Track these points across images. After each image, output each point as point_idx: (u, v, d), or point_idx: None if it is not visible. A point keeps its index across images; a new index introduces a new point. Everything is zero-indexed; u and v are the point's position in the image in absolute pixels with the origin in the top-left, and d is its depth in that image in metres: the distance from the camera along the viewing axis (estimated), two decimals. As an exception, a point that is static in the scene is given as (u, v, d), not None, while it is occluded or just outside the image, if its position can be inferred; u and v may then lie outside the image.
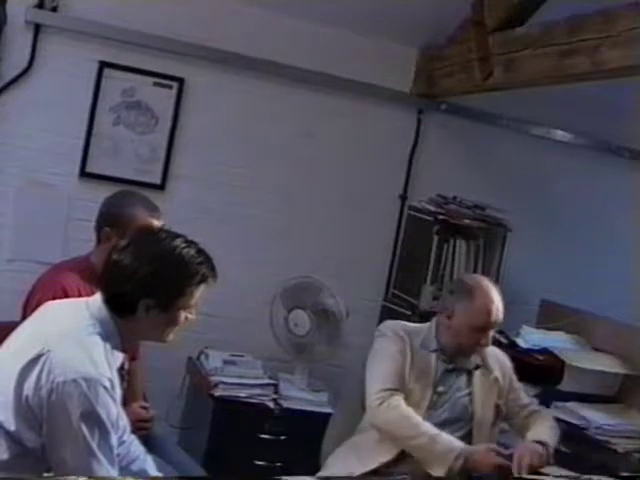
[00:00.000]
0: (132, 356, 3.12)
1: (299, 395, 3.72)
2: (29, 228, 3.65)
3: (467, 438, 2.79)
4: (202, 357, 3.80)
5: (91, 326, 2.03)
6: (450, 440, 2.66)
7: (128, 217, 2.76)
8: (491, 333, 2.84)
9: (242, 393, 3.59)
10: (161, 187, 3.85)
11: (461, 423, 2.83)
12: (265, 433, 3.60)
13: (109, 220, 2.82)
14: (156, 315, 2.06)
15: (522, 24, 3.53)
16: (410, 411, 2.69)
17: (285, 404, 3.65)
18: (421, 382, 2.81)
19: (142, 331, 2.13)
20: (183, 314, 2.11)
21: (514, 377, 2.96)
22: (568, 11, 3.14)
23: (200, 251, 2.12)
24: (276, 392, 3.68)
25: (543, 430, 2.81)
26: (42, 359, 1.92)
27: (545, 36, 3.28)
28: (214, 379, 3.61)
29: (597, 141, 4.59)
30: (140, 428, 2.76)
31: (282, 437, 3.61)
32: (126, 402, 2.84)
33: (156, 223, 2.76)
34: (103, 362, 1.98)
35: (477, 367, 2.90)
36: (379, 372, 2.79)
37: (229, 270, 3.86)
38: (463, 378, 2.89)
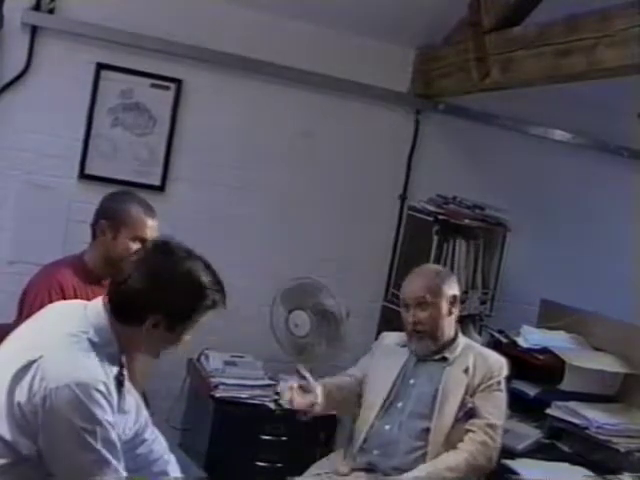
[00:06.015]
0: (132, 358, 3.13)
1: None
2: (29, 230, 3.65)
3: (428, 430, 2.82)
4: (202, 358, 3.80)
5: (84, 333, 2.00)
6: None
7: (123, 212, 2.86)
8: (419, 312, 2.90)
9: (243, 394, 3.59)
10: (160, 188, 3.85)
11: (425, 414, 2.85)
12: (266, 434, 3.60)
13: (105, 213, 2.90)
14: (160, 332, 2.06)
15: (519, 24, 3.53)
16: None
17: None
18: (386, 378, 2.95)
19: (141, 343, 2.12)
20: (186, 336, 2.12)
21: (494, 387, 2.89)
22: (564, 11, 3.15)
23: (215, 276, 2.11)
24: (277, 393, 3.67)
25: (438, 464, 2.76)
26: (34, 366, 1.90)
27: (542, 36, 3.28)
28: (214, 380, 3.61)
29: (596, 141, 4.59)
30: None
31: (283, 438, 3.61)
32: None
33: (150, 222, 2.86)
34: (97, 367, 1.96)
35: (444, 359, 2.92)
36: None
37: (229, 271, 3.90)
38: (436, 371, 2.92)
